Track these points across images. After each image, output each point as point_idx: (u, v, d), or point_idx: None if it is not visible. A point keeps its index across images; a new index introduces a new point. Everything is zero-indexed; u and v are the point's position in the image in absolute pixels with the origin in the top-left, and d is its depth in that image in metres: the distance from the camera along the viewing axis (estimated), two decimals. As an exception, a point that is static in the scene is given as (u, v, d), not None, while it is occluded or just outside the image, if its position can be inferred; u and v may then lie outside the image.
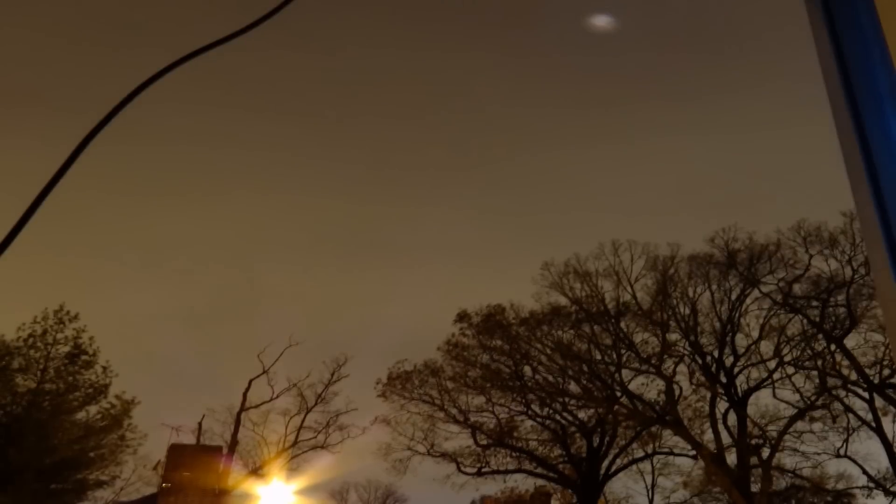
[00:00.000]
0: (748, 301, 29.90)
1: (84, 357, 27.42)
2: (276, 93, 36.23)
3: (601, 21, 27.46)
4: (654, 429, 31.37)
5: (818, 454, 29.20)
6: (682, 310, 30.49)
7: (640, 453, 32.93)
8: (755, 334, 29.63)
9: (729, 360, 29.87)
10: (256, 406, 32.07)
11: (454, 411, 32.69)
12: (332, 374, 32.93)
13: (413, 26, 33.93)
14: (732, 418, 29.07)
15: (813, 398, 28.50)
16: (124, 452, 28.16)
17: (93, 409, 27.45)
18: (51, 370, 26.69)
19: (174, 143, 36.70)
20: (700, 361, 30.08)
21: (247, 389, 31.91)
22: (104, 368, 27.76)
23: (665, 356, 30.36)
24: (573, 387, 32.21)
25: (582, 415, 33.10)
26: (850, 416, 28.28)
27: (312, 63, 36.11)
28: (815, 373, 28.62)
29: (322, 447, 32.50)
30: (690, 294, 30.37)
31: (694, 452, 29.60)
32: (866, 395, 27.73)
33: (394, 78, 37.57)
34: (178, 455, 30.28)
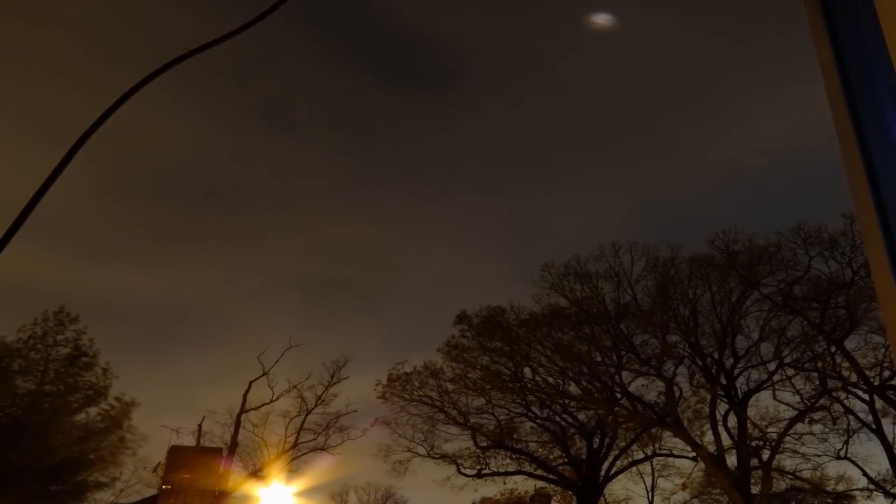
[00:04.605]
0: (748, 303, 29.93)
1: (84, 359, 27.41)
2: (273, 95, 36.23)
3: (600, 20, 27.48)
4: (654, 430, 31.36)
5: (818, 456, 29.26)
6: (682, 311, 30.49)
7: (640, 455, 32.96)
8: (755, 336, 29.66)
9: (729, 362, 29.89)
10: (256, 408, 32.13)
11: (454, 413, 32.73)
12: (332, 376, 33.00)
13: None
14: (732, 420, 29.10)
15: (813, 400, 28.50)
16: (124, 454, 28.16)
17: (92, 410, 27.45)
18: (51, 372, 26.68)
19: (172, 143, 36.73)
20: (700, 363, 30.08)
21: (247, 391, 31.97)
22: (104, 370, 27.75)
23: (665, 358, 30.35)
24: (573, 388, 32.22)
25: (582, 416, 33.13)
26: (851, 417, 28.31)
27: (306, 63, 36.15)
28: (815, 374, 28.61)
29: (322, 449, 32.55)
30: (690, 296, 30.39)
31: (694, 454, 29.59)
32: (866, 396, 27.74)
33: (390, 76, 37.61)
34: (178, 457, 30.30)
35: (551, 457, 33.64)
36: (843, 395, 28.29)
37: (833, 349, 28.01)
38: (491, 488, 33.44)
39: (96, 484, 27.83)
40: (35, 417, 25.42)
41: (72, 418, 27.15)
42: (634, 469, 33.12)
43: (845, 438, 28.44)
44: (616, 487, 33.34)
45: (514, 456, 33.18)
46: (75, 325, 27.67)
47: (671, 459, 32.47)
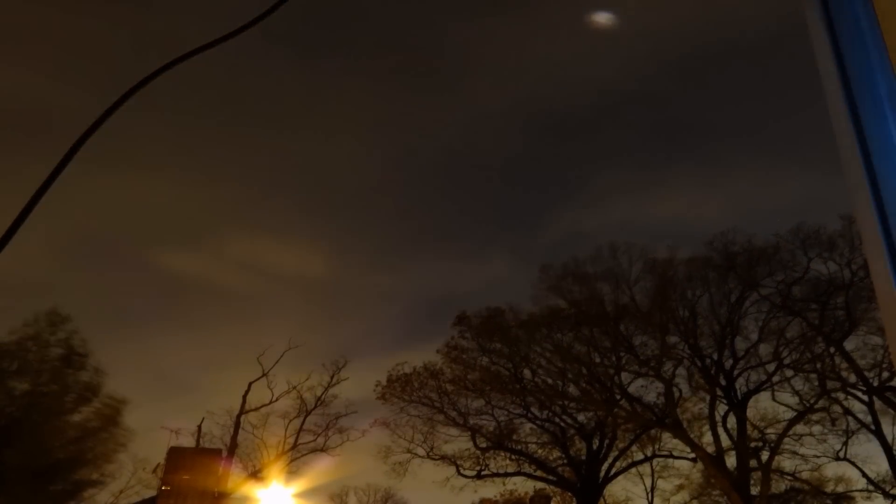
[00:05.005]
0: (747, 304, 29.91)
1: (78, 359, 27.37)
2: (272, 94, 36.25)
3: (602, 19, 27.48)
4: (653, 431, 31.36)
5: (817, 457, 29.24)
6: (681, 312, 30.49)
7: (640, 456, 32.93)
8: (754, 337, 29.63)
9: (728, 363, 29.88)
10: (256, 409, 32.09)
11: (454, 414, 32.71)
12: (332, 377, 32.97)
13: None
14: (732, 421, 29.10)
15: (812, 401, 28.50)
16: (120, 452, 28.16)
17: (87, 409, 27.44)
18: (46, 372, 26.66)
19: (172, 143, 36.73)
20: (699, 364, 30.07)
21: (246, 392, 31.94)
22: (97, 370, 27.73)
23: (664, 359, 30.35)
24: (572, 389, 32.22)
25: (581, 417, 33.12)
26: (850, 418, 28.29)
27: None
28: (814, 375, 28.61)
29: (321, 450, 32.53)
30: (689, 297, 30.39)
31: (693, 455, 29.59)
32: (865, 397, 27.73)
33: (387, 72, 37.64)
34: (177, 458, 30.29)
35: (551, 458, 33.64)
36: (842, 396, 28.29)
37: (832, 350, 28.01)
38: (490, 489, 33.46)
39: (93, 483, 27.82)
40: (32, 417, 25.41)
41: (68, 418, 27.15)
42: (634, 470, 33.12)
43: (844, 439, 28.47)
44: (616, 488, 33.36)
45: (513, 457, 33.18)
46: (68, 325, 27.64)
47: (671, 460, 32.49)
